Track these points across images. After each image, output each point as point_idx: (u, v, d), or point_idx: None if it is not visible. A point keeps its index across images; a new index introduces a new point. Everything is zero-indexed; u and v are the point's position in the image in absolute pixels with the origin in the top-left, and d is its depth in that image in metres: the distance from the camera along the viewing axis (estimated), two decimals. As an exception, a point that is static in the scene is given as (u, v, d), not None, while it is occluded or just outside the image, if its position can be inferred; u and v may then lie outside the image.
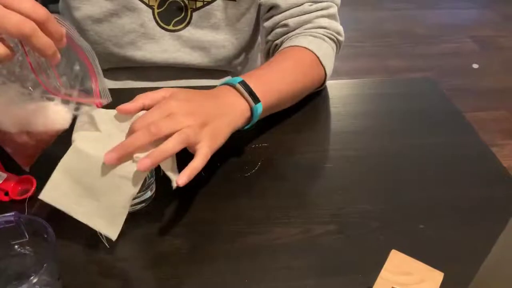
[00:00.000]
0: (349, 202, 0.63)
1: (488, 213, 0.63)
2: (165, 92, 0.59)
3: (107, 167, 0.52)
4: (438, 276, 0.49)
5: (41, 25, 0.47)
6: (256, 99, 0.64)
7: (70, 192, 0.52)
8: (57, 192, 0.53)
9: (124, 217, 0.53)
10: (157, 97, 0.58)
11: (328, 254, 0.57)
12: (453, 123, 0.79)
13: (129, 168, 0.52)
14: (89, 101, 0.55)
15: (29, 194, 0.59)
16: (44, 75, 0.52)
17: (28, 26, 0.45)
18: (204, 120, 0.57)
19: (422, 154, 0.72)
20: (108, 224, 0.53)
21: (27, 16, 0.46)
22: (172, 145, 0.53)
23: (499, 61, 2.51)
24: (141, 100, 0.57)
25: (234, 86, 0.65)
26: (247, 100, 0.64)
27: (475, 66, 2.45)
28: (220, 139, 0.59)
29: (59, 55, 0.49)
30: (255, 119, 0.65)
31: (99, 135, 0.55)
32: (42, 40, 0.47)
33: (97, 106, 0.56)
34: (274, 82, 0.70)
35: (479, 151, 0.73)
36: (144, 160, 0.51)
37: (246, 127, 0.66)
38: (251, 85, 0.65)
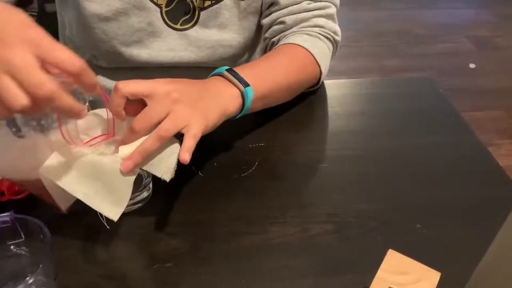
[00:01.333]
0: (346, 201, 0.63)
1: (484, 213, 0.63)
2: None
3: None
4: (434, 275, 0.48)
5: (76, 76, 0.46)
6: (245, 84, 0.65)
7: (70, 170, 0.51)
8: (58, 168, 0.51)
9: (128, 197, 0.52)
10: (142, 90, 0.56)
11: (326, 253, 0.57)
12: (450, 123, 0.78)
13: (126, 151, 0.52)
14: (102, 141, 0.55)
15: (26, 193, 0.59)
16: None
17: (47, 91, 0.43)
18: (191, 102, 0.57)
19: (420, 154, 0.72)
20: (111, 204, 0.51)
21: (63, 69, 0.44)
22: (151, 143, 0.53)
23: (496, 61, 2.51)
24: (123, 93, 0.55)
25: (221, 75, 0.65)
26: (236, 86, 0.64)
27: (472, 66, 2.46)
28: (210, 119, 0.58)
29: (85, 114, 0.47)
30: (248, 105, 0.65)
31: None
32: (62, 103, 0.44)
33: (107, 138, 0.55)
34: (267, 73, 0.71)
35: (476, 151, 0.73)
36: (127, 162, 0.51)
37: (240, 115, 0.66)
38: (243, 75, 0.65)
